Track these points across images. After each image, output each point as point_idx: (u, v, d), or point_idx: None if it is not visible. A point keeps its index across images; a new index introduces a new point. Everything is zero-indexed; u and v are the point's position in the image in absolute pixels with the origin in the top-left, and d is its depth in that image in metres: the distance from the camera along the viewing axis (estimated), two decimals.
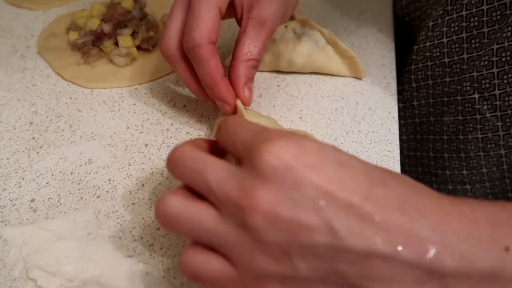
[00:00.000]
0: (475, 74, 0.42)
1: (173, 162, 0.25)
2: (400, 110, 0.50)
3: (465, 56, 0.43)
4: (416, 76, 0.49)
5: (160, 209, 0.24)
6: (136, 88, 0.44)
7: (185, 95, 0.43)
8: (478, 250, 0.20)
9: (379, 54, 0.51)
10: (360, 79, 0.47)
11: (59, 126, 0.40)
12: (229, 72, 0.36)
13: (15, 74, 0.45)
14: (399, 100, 0.50)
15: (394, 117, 0.43)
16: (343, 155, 0.22)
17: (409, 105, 0.51)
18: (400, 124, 0.48)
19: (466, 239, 0.20)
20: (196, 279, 0.23)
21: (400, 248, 0.20)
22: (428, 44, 0.47)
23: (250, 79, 0.36)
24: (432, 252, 0.20)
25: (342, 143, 0.40)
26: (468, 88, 0.43)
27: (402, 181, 0.22)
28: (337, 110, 0.43)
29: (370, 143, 0.40)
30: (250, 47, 0.34)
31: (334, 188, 0.20)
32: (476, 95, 0.42)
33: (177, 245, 0.32)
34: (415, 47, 0.49)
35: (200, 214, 0.23)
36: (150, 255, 0.31)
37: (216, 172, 0.22)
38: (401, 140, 0.47)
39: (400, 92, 0.49)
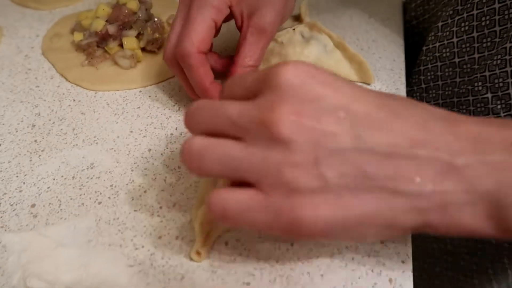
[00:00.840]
0: (487, 73, 0.41)
1: (190, 115, 0.26)
2: None
3: (476, 55, 0.43)
4: (426, 77, 0.49)
5: (185, 147, 0.24)
6: (140, 91, 0.43)
7: (190, 99, 0.43)
8: (490, 141, 0.22)
9: (389, 59, 0.50)
10: (368, 84, 0.46)
11: (61, 129, 0.39)
12: (229, 76, 0.37)
13: (19, 75, 0.44)
14: None
15: None
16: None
17: None
18: None
19: (477, 135, 0.23)
20: (225, 214, 0.23)
21: (417, 145, 0.22)
22: (437, 44, 0.46)
23: None
24: (445, 147, 0.22)
25: None
26: (480, 88, 0.42)
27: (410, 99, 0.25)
28: None
29: None
30: (249, 54, 0.36)
31: (350, 101, 0.22)
32: (489, 95, 0.42)
33: (179, 254, 0.31)
34: (424, 48, 0.48)
35: (225, 146, 0.23)
36: (151, 264, 0.30)
37: (235, 106, 0.23)
38: None
39: (408, 93, 0.49)
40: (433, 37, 0.47)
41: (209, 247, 0.31)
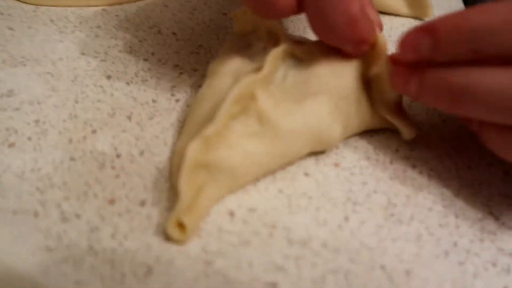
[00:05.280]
0: None
1: None
2: None
3: None
4: None
5: None
6: (104, 9, 0.30)
7: (177, 21, 0.29)
8: None
9: None
10: (422, 20, 0.33)
11: None
12: None
13: None
14: None
15: None
16: None
17: None
18: None
19: None
20: None
21: None
22: None
23: None
24: None
25: None
26: None
27: None
28: None
29: None
30: None
31: None
32: None
33: (146, 231, 0.17)
34: None
35: None
36: (91, 248, 0.16)
37: None
38: None
39: None
40: None
41: (200, 216, 0.17)
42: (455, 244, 0.18)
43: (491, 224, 0.19)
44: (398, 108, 0.21)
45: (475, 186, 0.21)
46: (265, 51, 0.21)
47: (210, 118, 0.18)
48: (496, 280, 0.17)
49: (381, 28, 0.21)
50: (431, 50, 0.17)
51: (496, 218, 0.19)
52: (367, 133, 0.22)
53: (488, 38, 0.16)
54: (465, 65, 0.17)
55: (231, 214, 0.18)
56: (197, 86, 0.24)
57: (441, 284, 0.16)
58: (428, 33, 0.18)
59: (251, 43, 0.22)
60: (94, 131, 0.21)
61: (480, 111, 0.17)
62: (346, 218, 0.18)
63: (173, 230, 0.16)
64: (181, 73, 0.25)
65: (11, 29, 0.27)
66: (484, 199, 0.20)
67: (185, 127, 0.20)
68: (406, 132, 0.21)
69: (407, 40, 0.18)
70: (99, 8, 0.30)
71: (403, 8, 0.34)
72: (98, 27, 0.28)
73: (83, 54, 0.26)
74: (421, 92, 0.18)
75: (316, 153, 0.21)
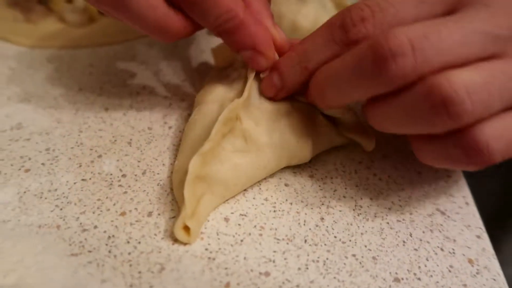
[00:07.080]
0: None
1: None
2: None
3: None
4: None
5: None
6: (93, 50, 0.33)
7: (162, 58, 0.33)
8: None
9: None
10: None
11: None
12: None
13: None
14: None
15: None
16: None
17: None
18: None
19: None
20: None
21: None
22: None
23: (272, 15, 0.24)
24: None
25: None
26: None
27: None
28: None
29: None
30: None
31: None
32: None
33: (155, 236, 0.20)
34: None
35: None
36: (110, 252, 0.19)
37: None
38: None
39: None
40: None
41: (201, 221, 0.20)
42: (411, 234, 0.22)
43: (438, 218, 0.23)
44: (356, 126, 0.25)
45: (425, 188, 0.25)
46: (240, 78, 0.25)
47: (202, 139, 0.21)
48: (444, 261, 0.21)
49: (284, 47, 0.23)
50: (281, 81, 0.22)
51: (442, 213, 0.23)
52: (334, 149, 0.26)
53: (311, 56, 0.21)
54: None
55: (227, 219, 0.21)
56: (186, 114, 0.28)
57: (400, 265, 0.20)
58: (274, 70, 0.23)
59: (229, 74, 0.26)
60: (100, 156, 0.24)
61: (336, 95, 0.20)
62: (322, 219, 0.22)
63: (180, 233, 0.19)
64: (170, 104, 0.28)
65: (12, 69, 0.29)
66: (433, 198, 0.24)
67: (181, 148, 0.23)
68: (366, 145, 0.25)
69: (265, 83, 0.23)
70: (90, 49, 0.33)
71: None
72: (91, 65, 0.31)
73: (80, 89, 0.28)
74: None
75: (294, 167, 0.25)
